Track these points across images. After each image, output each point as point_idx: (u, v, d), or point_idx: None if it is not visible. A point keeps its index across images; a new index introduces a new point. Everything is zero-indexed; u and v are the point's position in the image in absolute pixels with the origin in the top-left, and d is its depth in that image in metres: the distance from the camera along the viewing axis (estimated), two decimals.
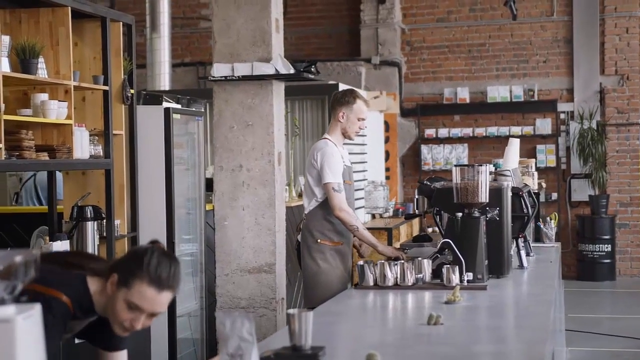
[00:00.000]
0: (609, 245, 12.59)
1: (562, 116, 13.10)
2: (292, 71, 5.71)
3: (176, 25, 13.31)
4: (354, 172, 6.34)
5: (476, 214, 4.74)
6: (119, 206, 6.22)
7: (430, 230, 8.46)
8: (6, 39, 5.18)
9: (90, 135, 5.89)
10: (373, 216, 10.64)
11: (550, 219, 6.97)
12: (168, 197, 6.67)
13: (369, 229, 5.74)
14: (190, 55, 14.02)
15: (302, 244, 5.57)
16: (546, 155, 12.97)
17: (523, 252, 5.43)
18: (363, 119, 5.59)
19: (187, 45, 14.06)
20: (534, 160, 7.94)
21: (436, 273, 4.67)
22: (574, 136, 12.79)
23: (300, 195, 8.40)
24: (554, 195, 12.94)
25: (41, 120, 5.41)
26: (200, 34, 13.99)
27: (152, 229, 6.42)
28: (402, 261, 4.72)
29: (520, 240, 5.44)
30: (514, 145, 6.34)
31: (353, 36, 13.68)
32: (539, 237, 6.81)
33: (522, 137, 12.47)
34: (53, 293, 2.81)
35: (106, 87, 6.01)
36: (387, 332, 3.83)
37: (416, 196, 5.44)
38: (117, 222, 6.15)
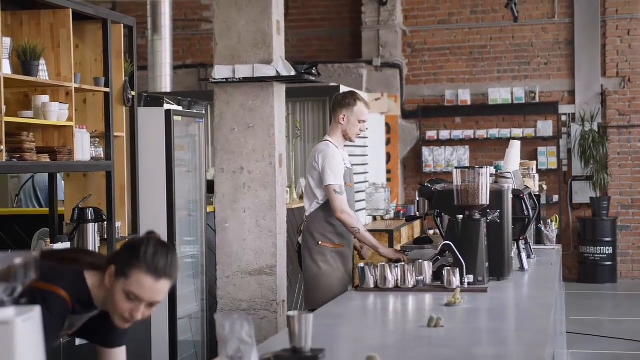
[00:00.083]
0: (610, 248, 12.59)
1: (564, 118, 13.10)
2: (293, 73, 5.72)
3: (177, 27, 13.32)
4: (355, 174, 6.34)
5: (477, 216, 4.74)
6: (119, 208, 6.22)
7: (431, 232, 8.46)
8: (7, 40, 5.19)
9: (91, 137, 5.89)
10: (374, 218, 10.64)
11: (551, 221, 6.96)
12: (169, 199, 6.67)
13: (370, 231, 5.73)
14: (192, 57, 14.03)
15: (303, 246, 5.57)
16: (547, 158, 12.97)
17: (524, 255, 5.43)
18: (364, 121, 5.59)
19: (189, 47, 14.07)
20: (535, 162, 7.94)
21: (437, 275, 4.67)
22: (575, 138, 12.79)
23: (301, 197, 8.41)
24: (555, 198, 12.94)
25: (42, 122, 5.42)
26: (202, 35, 14.00)
27: None
28: (403, 263, 4.72)
29: (521, 243, 5.44)
30: (515, 148, 6.34)
31: (354, 38, 13.68)
32: (540, 239, 6.80)
33: (524, 139, 12.47)
34: (51, 288, 2.83)
35: (107, 89, 6.02)
36: (387, 334, 3.83)
37: (417, 198, 5.44)
38: (118, 224, 6.15)
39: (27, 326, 1.89)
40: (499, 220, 4.90)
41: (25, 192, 7.93)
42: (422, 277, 4.62)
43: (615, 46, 12.98)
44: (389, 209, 10.71)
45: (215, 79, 5.77)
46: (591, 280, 12.55)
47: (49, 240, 5.85)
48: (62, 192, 6.41)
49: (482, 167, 4.77)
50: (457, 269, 4.56)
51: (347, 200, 5.44)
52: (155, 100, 7.29)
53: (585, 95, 12.99)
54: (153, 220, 6.55)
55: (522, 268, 5.37)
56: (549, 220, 6.98)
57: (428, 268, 4.66)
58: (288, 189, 8.24)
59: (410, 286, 4.58)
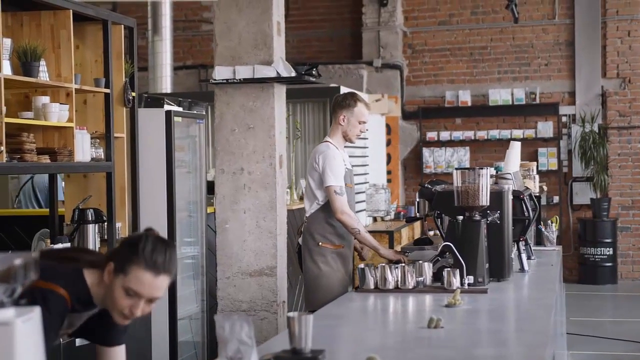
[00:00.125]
0: (611, 249, 12.59)
1: (564, 119, 13.10)
2: (293, 74, 5.72)
3: (178, 28, 13.32)
4: (355, 175, 6.34)
5: (477, 217, 4.74)
6: (120, 209, 6.22)
7: (431, 233, 8.46)
8: (8, 41, 5.19)
9: (92, 138, 5.89)
10: (374, 219, 10.64)
11: (552, 222, 6.96)
12: (169, 200, 6.67)
13: (370, 232, 5.74)
14: (192, 58, 14.03)
15: (303, 246, 5.57)
16: (548, 159, 12.98)
17: (524, 256, 5.43)
18: (364, 122, 5.59)
19: (189, 48, 14.07)
20: (535, 163, 7.94)
21: (437, 276, 4.67)
22: (576, 139, 12.79)
23: (301, 198, 8.41)
24: (556, 199, 12.94)
25: (42, 123, 5.42)
26: (202, 36, 14.00)
27: None
28: (403, 264, 4.72)
29: (521, 244, 5.44)
30: (515, 149, 6.34)
31: (355, 39, 13.69)
32: (540, 240, 6.80)
33: (524, 140, 12.48)
34: (50, 287, 2.83)
35: (107, 90, 6.02)
36: (387, 335, 3.83)
37: (417, 199, 5.44)
38: (118, 224, 6.15)
39: (27, 327, 1.89)
40: (499, 221, 4.90)
41: (25, 193, 7.94)
42: (422, 278, 4.62)
43: (616, 47, 12.98)
44: (389, 210, 10.71)
45: (215, 79, 5.78)
46: (591, 281, 12.55)
47: (49, 241, 5.85)
48: (61, 192, 6.41)
49: (482, 168, 4.77)
50: (457, 270, 4.56)
51: (347, 201, 5.44)
52: (156, 101, 7.29)
53: (586, 96, 12.99)
54: (153, 221, 6.54)
55: (522, 269, 5.38)
56: (549, 221, 6.98)
57: (428, 269, 4.66)
58: (288, 190, 8.24)
59: (410, 287, 4.58)
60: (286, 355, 2.88)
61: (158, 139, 6.64)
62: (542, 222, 6.93)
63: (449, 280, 4.54)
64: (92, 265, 2.99)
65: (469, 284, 4.58)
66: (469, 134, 13.17)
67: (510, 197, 5.08)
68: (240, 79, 5.72)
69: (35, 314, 1.92)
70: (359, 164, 10.17)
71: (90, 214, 5.86)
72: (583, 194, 12.94)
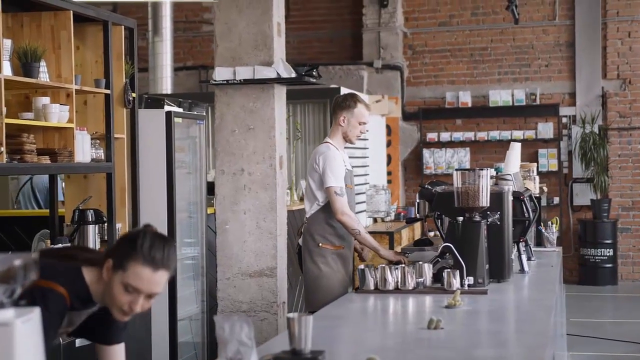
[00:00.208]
0: (611, 250, 12.59)
1: (564, 120, 13.10)
2: (293, 75, 5.72)
3: (178, 29, 13.32)
4: (356, 175, 6.34)
5: (477, 218, 4.74)
6: (120, 210, 6.22)
7: (431, 234, 8.46)
8: (8, 42, 5.19)
9: (92, 139, 5.89)
10: (375, 220, 10.63)
11: (552, 223, 6.96)
12: (169, 200, 6.67)
13: (370, 233, 5.73)
14: (193, 59, 14.03)
15: (303, 247, 5.57)
16: (548, 160, 12.98)
17: (524, 257, 5.43)
18: (364, 123, 5.59)
19: (189, 49, 14.07)
20: (535, 164, 7.94)
21: (437, 277, 4.67)
22: (576, 140, 12.79)
23: (301, 199, 8.40)
24: (556, 200, 12.94)
25: (43, 123, 5.42)
26: (203, 37, 14.00)
27: None
28: (403, 265, 4.72)
29: (521, 245, 5.44)
30: (515, 150, 6.34)
31: (355, 40, 13.69)
32: (540, 241, 6.80)
33: (524, 141, 12.48)
34: (49, 285, 2.84)
35: (108, 91, 6.02)
36: (387, 336, 3.83)
37: (417, 200, 5.44)
38: (118, 225, 6.15)
39: (27, 328, 1.89)
40: (499, 222, 4.90)
41: (24, 194, 7.94)
42: (422, 279, 4.62)
43: (616, 48, 12.98)
44: (389, 210, 10.70)
45: (215, 80, 5.78)
46: (592, 282, 12.55)
47: (49, 241, 5.85)
48: (60, 192, 6.41)
49: (482, 169, 4.77)
50: (457, 271, 4.56)
51: (347, 202, 5.44)
52: (156, 101, 7.29)
53: (586, 97, 12.99)
54: (153, 222, 6.44)
55: (522, 270, 5.37)
56: (549, 222, 6.98)
57: (428, 270, 4.66)
58: (288, 191, 8.24)
59: (410, 288, 4.58)
60: (286, 356, 2.88)
61: (158, 140, 6.64)
62: (542, 223, 6.93)
63: (449, 281, 4.54)
64: (91, 262, 3.00)
65: (469, 285, 4.58)
66: (469, 135, 13.17)
67: (511, 198, 5.09)
68: (240, 80, 5.72)
69: (34, 314, 1.92)
70: (359, 164, 10.17)
71: (90, 215, 5.86)
72: (583, 195, 12.94)
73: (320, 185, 5.45)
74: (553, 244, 6.82)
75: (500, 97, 13.13)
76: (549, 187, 12.44)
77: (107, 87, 6.02)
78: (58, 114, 5.45)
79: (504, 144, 12.01)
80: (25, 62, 5.27)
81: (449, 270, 4.58)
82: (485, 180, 4.72)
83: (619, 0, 12.94)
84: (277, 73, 5.67)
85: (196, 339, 7.25)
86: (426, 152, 13.30)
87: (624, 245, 12.91)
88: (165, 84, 11.63)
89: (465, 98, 13.24)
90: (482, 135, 13.13)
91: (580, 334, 8.97)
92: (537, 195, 6.86)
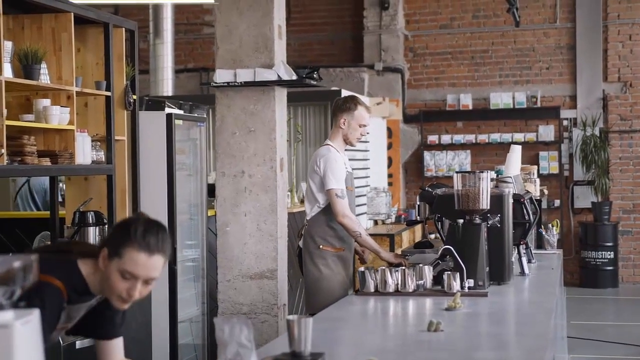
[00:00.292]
0: (612, 252, 12.58)
1: (565, 123, 13.10)
2: (294, 77, 5.72)
3: (179, 31, 13.33)
4: (356, 178, 6.34)
5: (477, 220, 4.74)
6: (120, 212, 6.22)
7: (432, 236, 8.46)
8: (9, 44, 5.19)
9: (93, 141, 5.89)
10: (375, 222, 10.64)
11: (552, 226, 6.96)
12: (170, 202, 6.67)
13: (371, 235, 5.74)
14: (193, 61, 14.04)
15: (304, 249, 5.57)
16: (549, 162, 12.98)
17: (524, 259, 5.43)
18: (364, 125, 5.60)
19: (190, 51, 14.08)
20: (536, 167, 7.94)
21: (437, 279, 4.67)
22: (577, 143, 12.79)
23: (302, 201, 8.41)
24: (557, 202, 12.94)
25: (43, 125, 5.42)
26: (204, 39, 14.01)
27: None
28: (404, 267, 4.72)
29: (522, 247, 5.44)
30: (516, 152, 6.34)
31: (356, 42, 13.69)
32: (541, 243, 6.80)
33: (525, 144, 12.49)
34: (45, 279, 2.85)
35: (108, 93, 6.02)
36: (387, 339, 3.83)
37: (418, 202, 5.44)
38: None
39: (26, 329, 1.89)
40: (499, 225, 4.90)
41: (22, 196, 7.94)
42: (422, 282, 4.62)
43: (617, 51, 12.98)
44: (390, 213, 10.72)
45: (216, 82, 5.78)
46: (592, 284, 12.54)
47: (49, 243, 5.85)
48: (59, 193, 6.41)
49: (482, 172, 4.77)
50: (458, 273, 4.56)
51: (348, 204, 5.45)
52: (157, 103, 7.31)
53: (587, 100, 12.99)
54: None
55: (522, 272, 5.37)
56: (549, 225, 6.98)
57: (428, 272, 4.66)
58: (289, 193, 8.24)
59: (410, 290, 4.58)
60: (286, 358, 2.88)
61: (159, 142, 6.64)
62: (542, 226, 6.93)
63: (449, 284, 4.54)
64: (86, 255, 3.03)
65: (469, 288, 4.58)
66: (470, 138, 13.17)
67: (511, 200, 5.09)
68: (241, 82, 5.73)
69: (34, 316, 1.92)
70: (360, 167, 10.18)
71: (90, 217, 5.86)
72: (584, 198, 12.94)
73: (321, 187, 5.45)
74: (553, 247, 6.81)
75: (501, 99, 13.12)
76: (549, 190, 12.43)
77: (108, 89, 6.02)
78: (59, 116, 5.46)
79: (505, 147, 12.01)
80: (26, 64, 5.28)
81: (449, 272, 4.58)
82: (485, 183, 4.73)
83: (619, 3, 12.94)
84: (278, 75, 5.68)
85: (196, 341, 7.25)
86: (427, 155, 13.30)
87: (624, 248, 12.90)
88: (166, 86, 11.63)
89: (466, 100, 13.24)
90: (483, 137, 13.13)
91: (580, 337, 8.97)
92: (538, 198, 6.86)
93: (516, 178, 5.93)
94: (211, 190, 6.81)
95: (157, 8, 11.73)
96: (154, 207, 6.58)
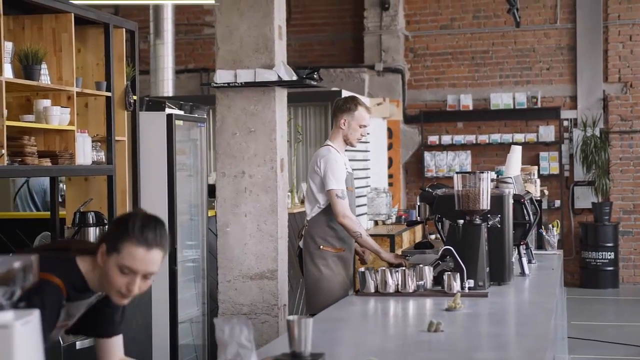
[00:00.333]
0: (612, 253, 12.58)
1: (565, 123, 13.10)
2: (294, 78, 5.72)
3: (180, 32, 13.33)
4: (357, 178, 6.34)
5: (478, 221, 4.74)
6: (121, 212, 6.22)
7: (432, 237, 8.46)
8: (9, 45, 5.20)
9: (93, 142, 5.90)
10: (376, 223, 10.63)
11: (553, 226, 6.96)
12: (170, 203, 6.67)
13: (371, 235, 5.74)
14: (194, 62, 14.04)
15: (304, 250, 5.57)
16: (549, 163, 12.98)
17: (524, 260, 5.43)
18: (365, 126, 5.60)
19: (191, 52, 14.08)
20: (536, 167, 7.94)
21: (437, 280, 4.67)
22: (577, 143, 12.79)
23: (302, 202, 8.41)
24: (557, 203, 12.94)
25: (44, 126, 5.42)
26: (204, 40, 14.01)
27: None
28: (404, 268, 4.72)
29: (522, 248, 5.44)
30: (516, 153, 6.34)
31: (356, 43, 13.69)
32: (541, 244, 6.80)
33: (525, 144, 12.49)
34: (44, 276, 2.85)
35: (109, 93, 6.02)
36: (387, 339, 3.83)
37: (418, 203, 5.45)
38: None
39: (26, 330, 1.89)
40: (499, 225, 4.90)
41: (21, 197, 7.94)
42: (422, 282, 4.62)
43: (617, 52, 12.98)
44: (390, 213, 10.71)
45: (217, 83, 5.78)
46: (593, 285, 12.54)
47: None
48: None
49: (482, 172, 4.77)
50: (458, 273, 4.56)
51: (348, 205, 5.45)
52: (157, 104, 7.30)
53: (587, 100, 12.99)
54: None
55: (522, 273, 5.37)
56: (550, 225, 6.98)
57: (429, 273, 4.66)
58: (289, 194, 8.24)
59: (410, 291, 4.58)
60: (286, 359, 2.88)
61: (159, 142, 6.64)
62: (543, 226, 6.93)
63: (449, 284, 4.54)
64: (84, 252, 3.04)
65: (469, 288, 4.58)
66: (471, 138, 13.17)
67: (511, 201, 5.09)
68: (241, 83, 5.73)
69: (34, 316, 1.92)
70: (361, 167, 10.18)
71: (91, 217, 5.87)
72: (584, 198, 12.94)
73: (321, 187, 5.45)
74: (554, 247, 6.81)
75: (501, 100, 13.12)
76: (550, 190, 12.43)
77: (108, 89, 6.02)
78: (59, 117, 5.46)
79: (505, 147, 12.01)
80: (26, 65, 5.28)
81: (449, 273, 4.58)
82: (485, 183, 4.73)
83: (620, 4, 12.94)
84: (278, 76, 5.68)
85: (197, 342, 7.25)
86: (427, 155, 13.30)
87: (625, 249, 12.90)
88: (167, 86, 11.63)
89: (467, 101, 13.24)
90: (483, 138, 13.13)
91: (581, 337, 8.97)
92: (538, 198, 6.86)
93: (516, 178, 5.93)
94: (211, 190, 6.81)
95: (158, 8, 11.72)
96: (155, 207, 6.58)
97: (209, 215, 7.25)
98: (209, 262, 7.21)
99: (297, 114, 10.54)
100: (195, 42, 14.11)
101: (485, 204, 4.72)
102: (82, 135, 5.73)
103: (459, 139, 13.20)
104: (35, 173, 5.90)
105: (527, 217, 5.43)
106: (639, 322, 10.18)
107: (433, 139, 13.29)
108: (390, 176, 12.50)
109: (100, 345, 3.24)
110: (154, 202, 6.59)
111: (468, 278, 4.59)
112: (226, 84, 5.75)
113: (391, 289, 4.59)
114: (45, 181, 7.69)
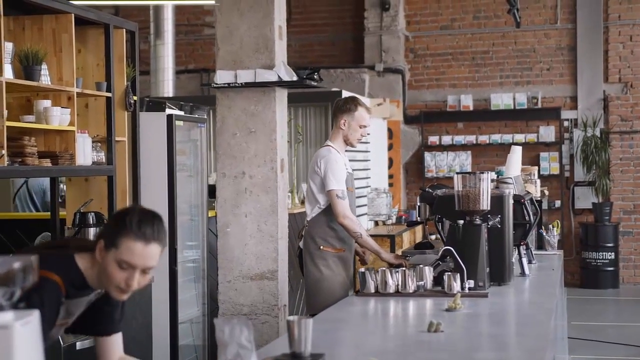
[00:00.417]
0: (612, 253, 12.59)
1: (566, 124, 13.10)
2: (295, 78, 5.72)
3: (180, 32, 13.33)
4: (357, 179, 6.34)
5: (478, 221, 4.74)
6: None
7: (432, 237, 8.46)
8: (9, 45, 5.20)
9: (93, 142, 5.90)
10: (376, 223, 10.64)
11: (553, 227, 6.96)
12: (170, 203, 6.67)
13: (371, 236, 5.74)
14: (194, 62, 14.04)
15: (304, 250, 5.57)
16: (550, 163, 12.98)
17: (525, 260, 5.43)
18: (365, 126, 5.60)
19: (191, 52, 14.08)
20: (536, 167, 7.94)
21: (437, 280, 4.67)
22: (578, 144, 12.79)
23: (302, 202, 8.41)
24: (557, 203, 12.94)
25: (44, 126, 5.42)
26: (204, 40, 14.01)
27: None
28: (404, 268, 4.72)
29: (522, 248, 5.44)
30: (516, 153, 6.34)
31: (357, 43, 13.70)
32: (541, 244, 6.80)
33: (526, 145, 12.49)
34: (43, 274, 2.85)
35: (109, 94, 6.02)
36: (387, 339, 3.83)
37: (418, 203, 5.45)
38: None
39: (26, 330, 1.89)
40: (499, 226, 4.90)
41: (21, 198, 7.94)
42: (422, 282, 4.62)
43: (618, 52, 12.98)
44: (390, 214, 10.71)
45: (217, 83, 5.78)
46: (593, 285, 12.54)
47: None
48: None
49: (482, 173, 4.77)
50: (458, 274, 4.56)
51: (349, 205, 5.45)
52: (157, 104, 7.30)
53: (588, 100, 12.99)
54: None
55: (523, 273, 5.37)
56: (550, 226, 6.98)
57: (429, 273, 4.66)
58: (290, 194, 8.24)
59: (410, 291, 4.58)
60: (286, 359, 2.89)
61: (159, 143, 6.64)
62: (543, 227, 6.93)
63: (449, 284, 4.54)
64: (83, 249, 3.05)
65: (469, 288, 4.58)
66: (471, 139, 13.17)
67: (511, 201, 5.09)
68: (241, 83, 5.73)
69: (34, 317, 1.93)
70: (361, 168, 10.18)
71: (91, 218, 5.86)
72: (585, 199, 12.94)
73: (321, 188, 5.46)
74: (554, 247, 6.81)
75: (501, 100, 13.13)
76: (550, 191, 12.44)
77: (109, 90, 6.02)
78: (59, 117, 5.46)
79: (506, 148, 12.01)
80: (26, 65, 5.28)
81: (449, 273, 4.58)
82: (486, 184, 4.73)
83: (620, 4, 12.95)
84: (279, 76, 5.68)
85: (197, 342, 7.25)
86: (427, 156, 13.30)
87: (625, 249, 12.90)
88: (167, 87, 11.64)
89: (467, 101, 13.25)
90: (483, 138, 13.13)
91: (581, 337, 8.97)
92: (538, 199, 6.86)
93: (517, 179, 5.93)
94: (212, 191, 6.82)
95: (158, 9, 11.73)
96: (155, 207, 6.50)
97: (209, 215, 7.25)
98: (209, 262, 7.21)
99: (298, 114, 10.54)
100: (196, 43, 14.12)
101: (485, 204, 4.73)
102: (82, 135, 5.73)
103: (459, 139, 13.21)
104: (36, 173, 5.90)
105: (527, 218, 5.43)
106: (639, 323, 10.18)
107: (433, 139, 13.29)
108: (390, 176, 12.50)
109: (99, 344, 3.24)
110: (154, 203, 6.58)
111: (468, 278, 4.59)
112: (226, 85, 5.75)
113: (391, 289, 4.59)
114: (45, 181, 7.69)
